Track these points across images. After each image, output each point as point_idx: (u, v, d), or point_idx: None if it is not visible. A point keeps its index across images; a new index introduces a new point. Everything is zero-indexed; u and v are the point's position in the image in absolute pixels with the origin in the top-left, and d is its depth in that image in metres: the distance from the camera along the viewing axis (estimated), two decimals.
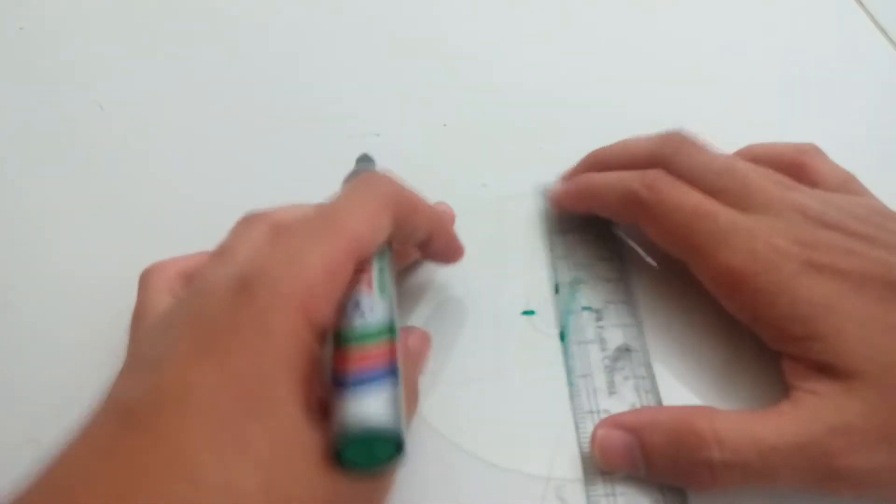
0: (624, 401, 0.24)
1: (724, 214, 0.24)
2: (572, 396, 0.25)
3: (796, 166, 0.27)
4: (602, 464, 0.22)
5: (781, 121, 0.34)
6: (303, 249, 0.19)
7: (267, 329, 0.17)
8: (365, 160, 0.27)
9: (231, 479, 0.15)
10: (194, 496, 0.15)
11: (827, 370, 0.21)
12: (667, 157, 0.26)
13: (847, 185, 0.26)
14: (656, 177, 0.25)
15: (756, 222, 0.23)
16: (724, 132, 0.28)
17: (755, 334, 0.24)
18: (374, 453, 0.17)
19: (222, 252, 0.22)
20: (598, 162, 0.29)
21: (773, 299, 0.22)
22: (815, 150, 0.28)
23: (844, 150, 0.28)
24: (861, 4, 0.43)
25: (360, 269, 0.20)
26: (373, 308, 0.19)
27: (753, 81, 0.38)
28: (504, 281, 0.29)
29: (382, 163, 0.28)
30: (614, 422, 0.23)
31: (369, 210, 0.21)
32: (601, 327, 0.26)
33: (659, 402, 0.24)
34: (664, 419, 0.22)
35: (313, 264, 0.18)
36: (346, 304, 0.19)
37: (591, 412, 0.24)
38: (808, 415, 0.21)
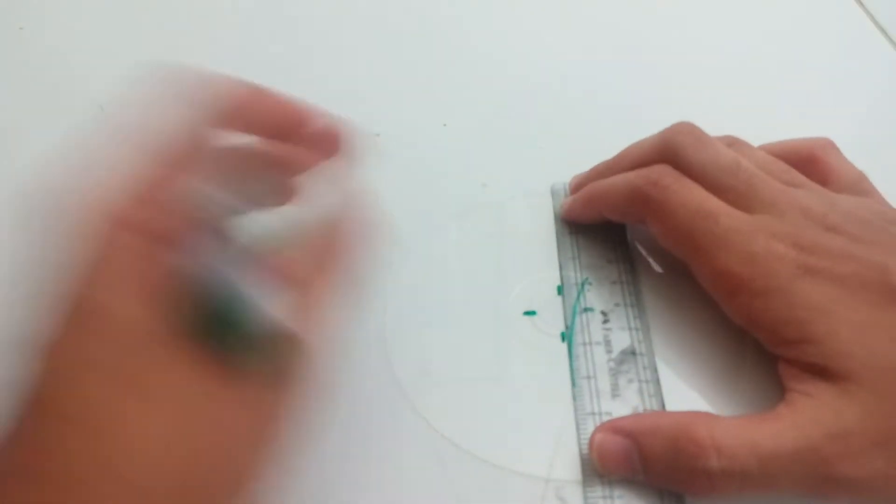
0: (627, 404, 0.24)
1: (725, 216, 0.24)
2: (575, 397, 0.25)
3: (809, 160, 0.27)
4: (600, 468, 0.22)
5: (780, 121, 0.34)
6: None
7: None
8: None
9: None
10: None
11: (821, 372, 0.21)
12: (673, 151, 0.26)
13: (857, 184, 0.26)
14: (662, 172, 0.25)
15: (756, 224, 0.23)
16: (723, 134, 0.28)
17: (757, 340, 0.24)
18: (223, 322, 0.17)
19: None
20: (606, 169, 0.29)
21: (769, 303, 0.22)
22: (830, 146, 0.28)
23: (844, 151, 0.28)
24: (861, 4, 0.43)
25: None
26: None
27: (752, 82, 0.38)
28: (505, 281, 0.29)
29: (383, 163, 0.28)
30: (613, 427, 0.23)
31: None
32: (608, 329, 0.26)
33: (662, 406, 0.24)
34: (663, 425, 0.22)
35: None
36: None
37: (593, 414, 0.24)
38: (806, 419, 0.21)
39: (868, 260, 0.22)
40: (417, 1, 0.43)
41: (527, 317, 0.27)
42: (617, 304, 0.27)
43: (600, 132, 0.34)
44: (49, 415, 0.16)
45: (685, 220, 0.24)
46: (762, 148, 0.28)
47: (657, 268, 0.29)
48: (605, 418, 0.24)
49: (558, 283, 0.28)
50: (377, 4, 0.43)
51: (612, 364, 0.25)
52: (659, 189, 0.25)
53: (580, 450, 0.23)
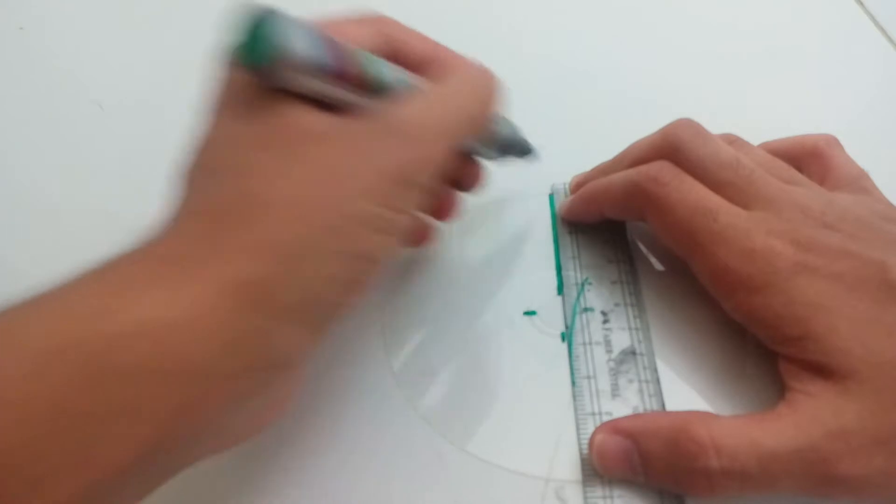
0: (627, 404, 0.24)
1: (724, 213, 0.24)
2: (575, 397, 0.25)
3: (812, 154, 0.27)
4: (600, 469, 0.23)
5: (781, 120, 0.34)
6: None
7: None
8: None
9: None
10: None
11: (821, 370, 0.21)
12: (673, 147, 0.26)
13: (857, 181, 0.26)
14: (661, 168, 0.25)
15: (755, 221, 0.23)
16: (724, 132, 0.28)
17: (757, 337, 0.24)
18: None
19: None
20: (607, 168, 0.29)
21: (768, 300, 0.22)
22: (834, 142, 0.28)
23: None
24: (861, 4, 0.43)
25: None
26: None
27: (752, 81, 0.38)
28: (505, 281, 0.29)
29: None
30: (612, 427, 0.23)
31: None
32: (608, 329, 0.26)
33: (662, 406, 0.24)
34: (662, 425, 0.22)
35: None
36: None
37: (594, 414, 0.24)
38: (806, 418, 0.21)
39: (866, 257, 0.22)
40: (416, 1, 0.43)
41: (527, 317, 0.27)
42: (617, 304, 0.27)
43: (601, 132, 0.34)
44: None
45: (684, 216, 0.24)
46: (767, 144, 0.28)
47: (658, 266, 0.29)
48: (605, 418, 0.24)
49: (558, 283, 0.28)
50: (376, 4, 0.42)
51: (612, 364, 0.25)
52: (658, 185, 0.25)
53: (580, 450, 0.24)
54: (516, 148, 0.29)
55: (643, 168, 0.26)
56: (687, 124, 0.26)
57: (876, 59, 0.40)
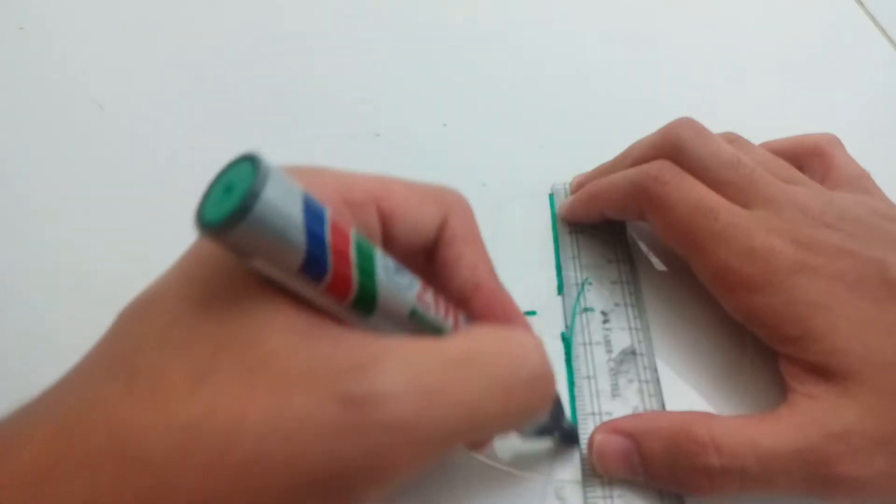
0: (627, 404, 0.24)
1: (724, 212, 0.24)
2: (575, 397, 0.25)
3: (814, 153, 0.28)
4: (600, 469, 0.22)
5: (781, 120, 0.34)
6: None
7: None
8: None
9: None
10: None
11: (822, 371, 0.21)
12: (674, 146, 0.26)
13: (858, 181, 0.26)
14: (662, 167, 0.25)
15: (755, 220, 0.23)
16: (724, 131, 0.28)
17: (757, 337, 0.24)
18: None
19: None
20: (608, 169, 0.29)
21: (768, 299, 0.22)
22: (836, 141, 0.28)
23: None
24: (861, 4, 0.43)
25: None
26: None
27: (753, 81, 0.38)
28: (505, 281, 0.29)
29: (382, 163, 0.28)
30: (612, 427, 0.23)
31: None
32: (608, 329, 0.26)
33: (662, 406, 0.24)
34: (663, 425, 0.22)
35: None
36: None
37: (594, 414, 0.24)
38: (806, 420, 0.21)
39: (866, 256, 0.22)
40: (417, 1, 0.43)
41: (527, 317, 0.27)
42: (617, 304, 0.27)
43: (601, 132, 0.34)
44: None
45: (685, 215, 0.24)
46: (769, 143, 0.28)
47: (658, 266, 0.29)
48: (605, 418, 0.24)
49: (558, 282, 0.28)
50: (377, 5, 0.42)
51: (612, 364, 0.25)
52: (659, 184, 0.25)
53: (580, 450, 0.23)
54: (559, 434, 0.23)
55: (644, 167, 0.26)
56: (687, 123, 0.26)
57: (876, 59, 0.40)
